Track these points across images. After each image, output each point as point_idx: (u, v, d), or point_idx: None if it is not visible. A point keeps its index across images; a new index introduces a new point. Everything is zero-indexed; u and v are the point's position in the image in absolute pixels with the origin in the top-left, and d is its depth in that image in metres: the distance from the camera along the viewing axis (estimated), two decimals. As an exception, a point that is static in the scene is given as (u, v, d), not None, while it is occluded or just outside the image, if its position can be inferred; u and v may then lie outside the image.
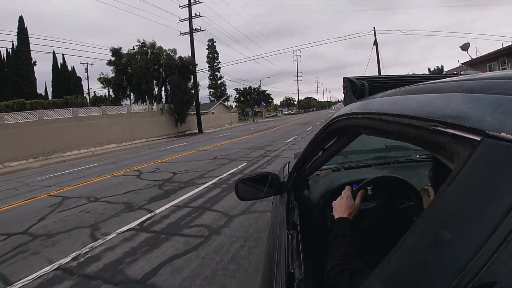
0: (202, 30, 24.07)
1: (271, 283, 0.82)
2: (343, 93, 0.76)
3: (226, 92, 49.86)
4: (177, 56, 22.68)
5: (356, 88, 0.74)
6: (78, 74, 28.80)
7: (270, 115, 65.06)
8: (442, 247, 0.29)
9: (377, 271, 0.38)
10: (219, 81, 49.16)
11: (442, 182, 0.33)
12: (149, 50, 22.12)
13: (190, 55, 23.40)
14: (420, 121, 0.39)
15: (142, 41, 22.03)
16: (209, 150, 9.82)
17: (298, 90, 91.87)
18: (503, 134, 0.28)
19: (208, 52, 48.45)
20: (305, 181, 1.31)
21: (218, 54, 48.86)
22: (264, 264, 1.14)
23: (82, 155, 13.39)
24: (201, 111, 26.59)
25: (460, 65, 19.21)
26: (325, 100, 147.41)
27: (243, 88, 46.63)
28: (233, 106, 53.05)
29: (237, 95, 46.39)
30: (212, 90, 49.96)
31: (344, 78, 0.78)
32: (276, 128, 19.31)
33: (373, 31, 27.12)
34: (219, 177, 5.35)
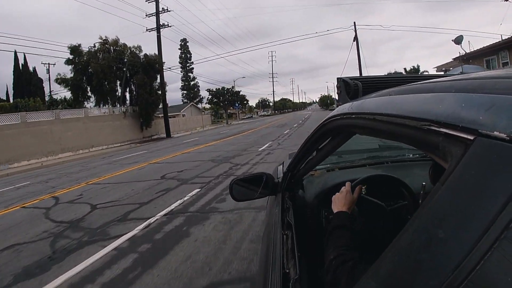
0: (170, 26, 23.58)
1: (266, 283, 0.86)
2: (337, 93, 0.82)
3: (200, 94, 51.07)
4: (142, 54, 22.22)
5: (350, 88, 0.80)
6: (40, 76, 27.47)
7: (246, 117, 66.44)
8: (436, 246, 0.31)
9: (372, 270, 0.41)
10: (192, 82, 49.89)
11: None
12: (111, 48, 21.52)
13: (157, 53, 22.81)
14: (414, 120, 0.42)
15: (104, 38, 21.60)
16: (162, 163, 8.79)
17: (273, 91, 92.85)
18: (495, 133, 0.30)
19: (181, 52, 49.08)
20: (300, 181, 1.37)
21: (191, 54, 49.67)
22: (259, 264, 1.19)
23: (31, 167, 12.41)
24: (170, 114, 25.93)
25: (452, 60, 17.87)
26: (300, 101, 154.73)
27: (216, 89, 47.65)
28: (207, 108, 53.30)
29: (210, 96, 47.36)
30: (185, 92, 50.28)
31: (338, 78, 0.83)
32: (250, 132, 18.92)
33: (353, 26, 27.05)
34: (146, 223, 3.72)
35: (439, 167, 0.73)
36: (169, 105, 24.97)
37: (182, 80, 49.83)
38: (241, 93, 51.72)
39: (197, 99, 49.69)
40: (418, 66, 36.15)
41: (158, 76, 22.88)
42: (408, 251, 0.34)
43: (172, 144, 15.41)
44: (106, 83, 21.36)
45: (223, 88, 48.14)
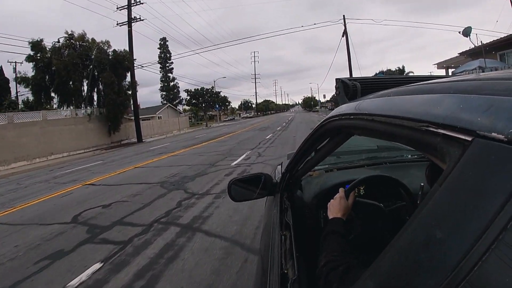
0: (142, 20, 22.86)
1: (265, 284, 0.91)
2: (336, 94, 0.87)
3: (180, 95, 50.87)
4: (111, 50, 21.56)
5: (348, 89, 0.85)
6: (7, 75, 25.40)
7: (228, 119, 66.56)
8: (434, 246, 0.32)
9: (370, 270, 0.44)
10: (172, 83, 50.76)
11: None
12: (78, 43, 20.79)
13: (129, 48, 22.12)
14: (412, 121, 0.45)
15: (70, 33, 20.55)
16: (99, 185, 7.13)
17: (256, 93, 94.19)
18: (494, 134, 0.31)
19: (160, 52, 49.33)
20: (298, 181, 1.45)
21: (170, 54, 50.04)
22: (258, 264, 1.25)
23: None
24: (145, 116, 25.28)
25: (457, 55, 16.55)
26: (284, 103, 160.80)
27: (195, 89, 47.76)
28: (186, 110, 53.01)
29: (188, 97, 47.20)
30: (165, 93, 50.23)
31: (336, 79, 0.89)
32: (227, 136, 18.22)
33: (342, 20, 26.79)
34: None
35: (435, 168, 0.82)
36: (145, 107, 24.26)
37: (161, 81, 50.40)
38: (223, 94, 52.09)
39: (177, 100, 50.62)
40: (404, 67, 37.89)
41: (129, 75, 22.21)
42: (407, 252, 0.37)
43: (135, 153, 14.34)
44: (71, 82, 20.39)
45: (202, 88, 47.96)
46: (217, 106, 50.13)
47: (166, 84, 50.54)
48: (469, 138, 0.34)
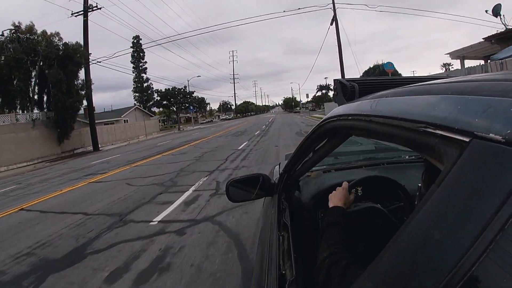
0: (100, 8, 21.19)
1: (262, 284, 0.95)
2: (334, 94, 0.96)
3: (154, 96, 49.41)
4: (62, 43, 19.50)
5: (346, 90, 0.89)
6: None
7: (205, 121, 68.19)
8: (432, 247, 0.34)
9: (369, 271, 0.46)
10: (145, 84, 49.56)
11: None
12: (25, 36, 18.68)
13: (83, 41, 20.44)
14: (410, 122, 0.47)
15: (16, 24, 18.54)
16: None
17: (234, 93, 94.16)
18: (491, 135, 0.33)
19: (133, 51, 47.40)
20: (296, 182, 1.51)
21: (144, 53, 48.78)
22: (256, 265, 1.30)
23: None
24: (109, 119, 23.73)
25: (482, 40, 12.30)
26: (264, 104, 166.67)
27: (166, 89, 46.40)
28: (159, 112, 52.49)
29: (158, 98, 45.57)
30: (138, 95, 49.25)
31: (334, 80, 0.94)
32: (194, 144, 16.18)
33: (331, 5, 23.33)
34: None
35: (432, 173, 0.83)
36: (111, 109, 22.96)
37: (134, 82, 49.18)
38: (201, 95, 52.54)
39: (151, 102, 49.29)
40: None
41: (83, 72, 20.31)
42: (405, 252, 0.38)
43: (72, 169, 12.20)
44: (15, 82, 18.58)
45: (173, 88, 46.41)
46: (192, 107, 49.06)
47: (139, 85, 49.26)
48: (467, 139, 0.36)
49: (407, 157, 1.96)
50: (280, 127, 24.16)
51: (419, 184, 0.98)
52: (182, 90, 47.41)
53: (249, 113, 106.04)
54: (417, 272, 0.35)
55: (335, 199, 1.02)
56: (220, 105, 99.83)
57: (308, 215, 1.37)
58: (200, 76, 55.54)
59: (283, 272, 0.92)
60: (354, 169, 1.79)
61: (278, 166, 2.13)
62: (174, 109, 47.14)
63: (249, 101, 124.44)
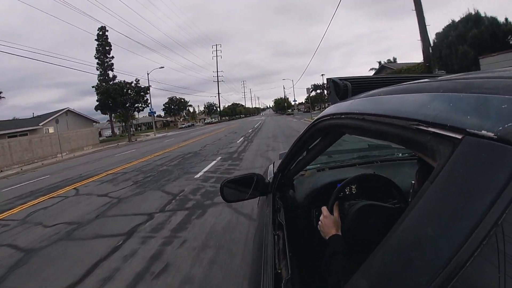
0: None
1: (258, 284, 0.95)
2: (327, 93, 0.99)
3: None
4: None
5: (339, 88, 0.90)
6: None
7: (184, 126, 61.80)
8: (425, 244, 0.34)
9: (363, 268, 0.46)
10: (111, 82, 39.71)
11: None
12: None
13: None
14: (402, 120, 0.47)
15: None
16: None
17: (218, 93, 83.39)
18: (483, 132, 0.34)
19: (98, 44, 41.53)
20: (290, 181, 1.52)
21: (111, 47, 41.98)
22: (251, 264, 1.31)
23: None
24: (22, 129, 19.80)
25: None
26: (254, 106, 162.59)
27: (103, 83, 36.00)
28: (117, 116, 38.35)
29: (100, 97, 32.76)
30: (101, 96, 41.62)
31: (327, 79, 0.94)
32: (119, 170, 10.00)
33: None
34: None
35: (425, 172, 0.83)
36: (33, 115, 16.58)
37: (99, 81, 40.22)
38: (187, 98, 43.11)
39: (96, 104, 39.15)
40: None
41: None
42: (399, 249, 0.39)
43: None
44: None
45: (120, 82, 33.45)
46: (151, 109, 36.79)
47: (104, 83, 39.04)
48: (459, 136, 0.36)
49: (400, 154, 1.98)
50: (270, 136, 15.68)
51: (412, 181, 0.99)
52: (134, 84, 33.12)
53: (237, 116, 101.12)
54: (411, 268, 0.35)
55: (326, 229, 1.03)
56: (204, 107, 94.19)
57: (302, 214, 1.38)
58: (163, 67, 40.43)
59: (279, 271, 0.92)
60: (348, 168, 1.81)
61: (272, 165, 2.14)
62: (117, 110, 33.51)
63: (238, 103, 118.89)
